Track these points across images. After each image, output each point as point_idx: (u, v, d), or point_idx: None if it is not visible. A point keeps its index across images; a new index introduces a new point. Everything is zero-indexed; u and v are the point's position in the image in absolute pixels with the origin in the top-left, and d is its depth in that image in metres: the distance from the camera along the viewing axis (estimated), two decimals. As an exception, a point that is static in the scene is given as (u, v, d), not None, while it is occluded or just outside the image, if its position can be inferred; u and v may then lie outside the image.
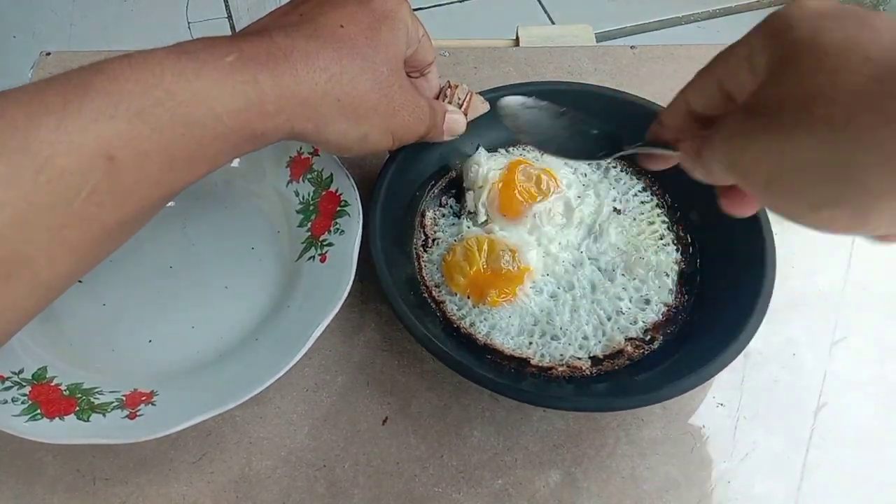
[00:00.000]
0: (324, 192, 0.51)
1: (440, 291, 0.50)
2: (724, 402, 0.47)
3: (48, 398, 0.42)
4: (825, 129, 0.26)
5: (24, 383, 0.43)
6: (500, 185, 0.52)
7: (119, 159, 0.31)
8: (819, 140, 0.26)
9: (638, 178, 0.55)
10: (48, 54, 0.65)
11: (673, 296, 0.50)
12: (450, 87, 0.50)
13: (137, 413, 0.42)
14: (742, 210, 0.38)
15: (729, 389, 0.48)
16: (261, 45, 0.36)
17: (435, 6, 1.85)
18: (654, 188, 0.55)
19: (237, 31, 0.41)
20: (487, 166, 0.53)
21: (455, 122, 0.48)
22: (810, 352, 0.50)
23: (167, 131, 0.32)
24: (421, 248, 0.53)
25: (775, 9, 0.31)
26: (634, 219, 0.54)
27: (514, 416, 0.46)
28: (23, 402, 0.42)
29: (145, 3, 1.84)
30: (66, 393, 0.43)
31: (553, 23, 1.83)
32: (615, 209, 0.54)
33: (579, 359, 0.47)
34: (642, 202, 0.54)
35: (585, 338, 0.48)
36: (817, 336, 0.51)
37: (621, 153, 0.43)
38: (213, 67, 0.33)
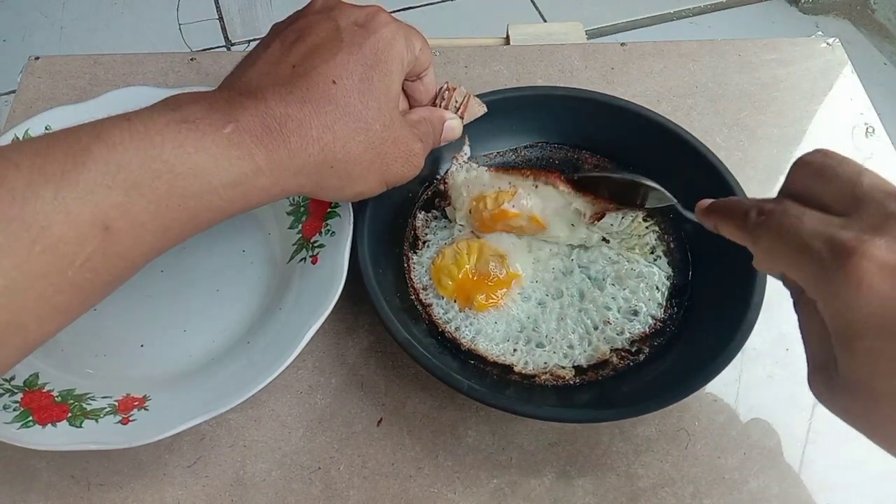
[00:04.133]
0: (314, 194, 0.51)
1: (427, 294, 0.50)
2: (718, 398, 0.47)
3: (40, 405, 0.42)
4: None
5: (15, 390, 0.43)
6: (475, 202, 0.51)
7: (114, 229, 0.31)
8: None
9: None
10: (37, 59, 0.65)
11: (662, 309, 0.49)
12: (447, 89, 0.48)
13: (130, 418, 0.42)
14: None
15: (723, 385, 0.48)
16: (256, 113, 0.35)
17: (426, 4, 1.85)
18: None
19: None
20: (463, 186, 0.52)
21: (451, 129, 0.48)
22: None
23: (163, 202, 0.32)
24: (410, 251, 0.52)
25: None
26: (622, 235, 0.52)
27: (509, 415, 0.46)
28: (15, 409, 0.42)
29: (136, 5, 1.84)
30: (59, 399, 0.43)
31: (544, 19, 1.83)
32: (603, 238, 0.51)
33: (563, 367, 0.47)
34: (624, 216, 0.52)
35: (571, 346, 0.48)
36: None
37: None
38: (211, 140, 0.33)
